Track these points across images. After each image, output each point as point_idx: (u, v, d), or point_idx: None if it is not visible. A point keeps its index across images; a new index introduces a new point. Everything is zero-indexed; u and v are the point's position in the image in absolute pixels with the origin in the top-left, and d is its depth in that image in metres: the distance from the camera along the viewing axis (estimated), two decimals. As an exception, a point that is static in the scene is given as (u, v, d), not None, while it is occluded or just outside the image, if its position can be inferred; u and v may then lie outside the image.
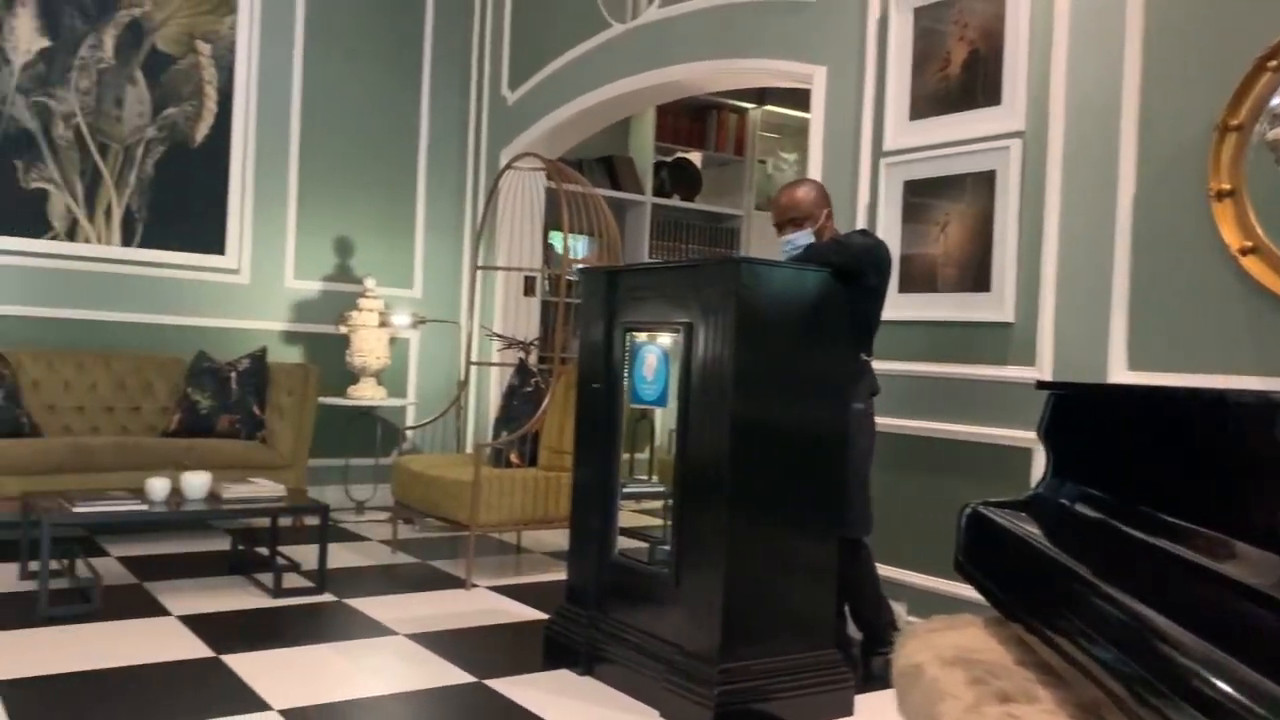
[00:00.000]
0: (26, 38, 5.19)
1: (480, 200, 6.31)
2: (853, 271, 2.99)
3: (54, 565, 3.76)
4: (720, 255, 7.21)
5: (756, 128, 7.38)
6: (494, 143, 6.24)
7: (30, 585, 3.90)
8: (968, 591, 3.28)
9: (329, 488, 5.87)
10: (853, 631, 3.46)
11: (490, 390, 6.11)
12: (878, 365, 3.41)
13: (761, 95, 7.17)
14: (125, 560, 4.44)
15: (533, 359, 5.32)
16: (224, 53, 5.70)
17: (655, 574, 3.09)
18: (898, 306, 3.69)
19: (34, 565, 4.06)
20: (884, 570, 3.52)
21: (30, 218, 5.23)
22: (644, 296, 3.15)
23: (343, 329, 5.77)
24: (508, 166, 5.11)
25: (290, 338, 5.96)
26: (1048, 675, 1.55)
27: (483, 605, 4.03)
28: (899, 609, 3.62)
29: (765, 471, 2.83)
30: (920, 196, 3.81)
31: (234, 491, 4.04)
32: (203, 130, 5.67)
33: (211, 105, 5.68)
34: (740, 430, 2.77)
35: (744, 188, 7.36)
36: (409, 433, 5.42)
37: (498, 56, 6.23)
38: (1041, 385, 2.40)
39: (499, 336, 5.67)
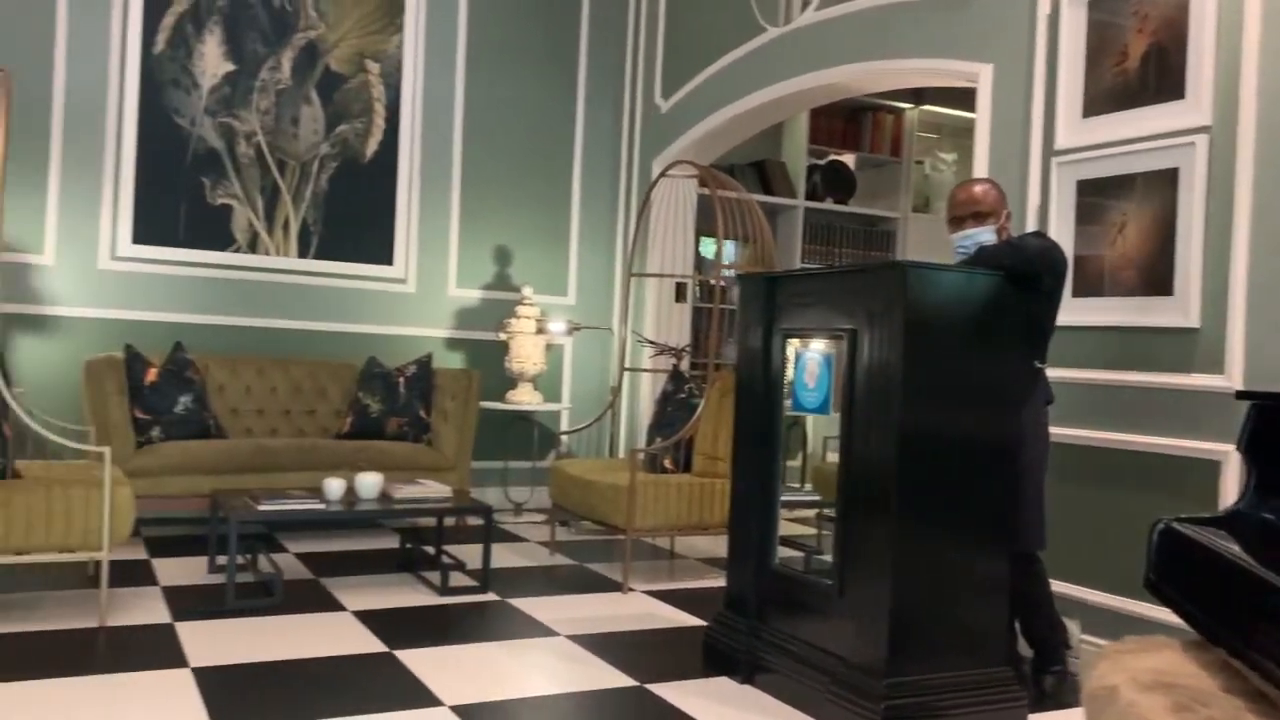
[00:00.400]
0: (213, 63, 5.54)
1: (632, 209, 6.38)
2: (1027, 275, 2.89)
3: (239, 560, 3.98)
4: (880, 259, 7.08)
5: (913, 128, 7.21)
6: (646, 152, 6.30)
7: (218, 578, 4.15)
8: (1150, 610, 3.14)
9: (489, 489, 6.05)
10: (1023, 649, 3.33)
11: (642, 396, 6.16)
12: (1051, 373, 3.28)
13: (919, 95, 7.01)
14: (303, 556, 4.67)
15: (684, 365, 5.34)
16: (391, 71, 5.95)
17: (817, 584, 3.05)
18: (1071, 311, 3.53)
19: (221, 559, 4.31)
20: (1057, 586, 3.38)
21: (216, 231, 5.58)
22: (805, 302, 3.11)
23: (502, 336, 5.93)
24: (662, 174, 5.15)
25: (453, 344, 6.16)
26: (1260, 704, 1.45)
27: (640, 609, 4.06)
28: (1072, 627, 3.46)
29: (934, 482, 2.76)
30: (1094, 197, 3.65)
31: (403, 492, 4.19)
32: (372, 146, 5.93)
33: (380, 122, 5.94)
34: (908, 439, 2.71)
35: (900, 190, 7.20)
36: (564, 437, 5.52)
37: (651, 66, 6.29)
38: (1242, 395, 2.25)
39: (651, 343, 5.71)
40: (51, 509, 3.37)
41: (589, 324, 6.27)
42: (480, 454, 5.79)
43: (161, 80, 5.42)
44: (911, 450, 2.71)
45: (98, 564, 3.89)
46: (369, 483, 4.18)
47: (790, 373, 3.17)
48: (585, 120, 6.51)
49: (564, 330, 5.86)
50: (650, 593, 4.33)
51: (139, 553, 4.55)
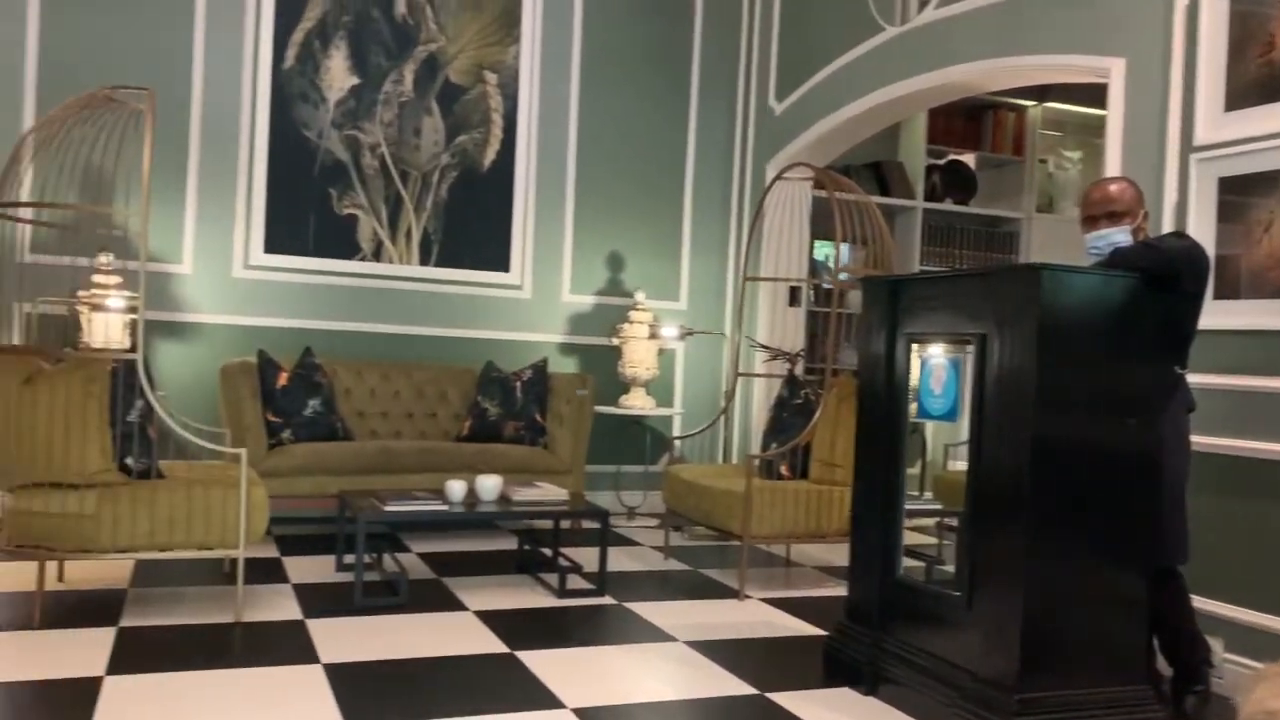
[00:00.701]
0: (340, 77, 5.72)
1: (745, 213, 6.36)
2: (1167, 277, 2.76)
3: (366, 559, 4.10)
4: (1002, 262, 6.88)
5: (1037, 126, 6.99)
6: (759, 155, 6.26)
7: (346, 577, 4.28)
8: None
9: (601, 493, 6.09)
10: (1162, 666, 3.19)
11: (754, 401, 6.13)
12: (1192, 378, 3.13)
13: (1042, 91, 6.80)
14: (425, 556, 4.78)
15: (799, 370, 5.29)
16: (509, 81, 6.06)
17: (944, 595, 2.98)
18: (1213, 314, 3.37)
19: (349, 558, 4.45)
20: (1198, 602, 3.22)
21: (343, 241, 5.77)
22: (931, 306, 3.05)
23: (615, 341, 5.97)
24: (778, 177, 5.10)
25: (567, 349, 6.23)
26: None
27: (757, 616, 4.03)
28: (1215, 645, 3.30)
29: (1069, 492, 2.67)
30: (1238, 194, 3.47)
31: (522, 495, 4.26)
32: (490, 156, 6.05)
33: (498, 132, 6.05)
34: (1042, 447, 2.62)
35: (1023, 189, 6.99)
36: (677, 442, 5.52)
37: (765, 68, 6.25)
38: None
39: (765, 348, 5.67)
40: (192, 508, 3.53)
41: (701, 329, 6.26)
42: (594, 458, 5.84)
43: (290, 95, 5.63)
44: (1045, 459, 2.62)
45: (233, 561, 4.06)
46: (489, 485, 4.25)
47: (915, 378, 3.10)
48: (698, 124, 6.51)
49: (676, 335, 5.87)
50: (767, 600, 4.29)
51: (270, 550, 4.72)
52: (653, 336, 5.80)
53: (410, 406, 5.62)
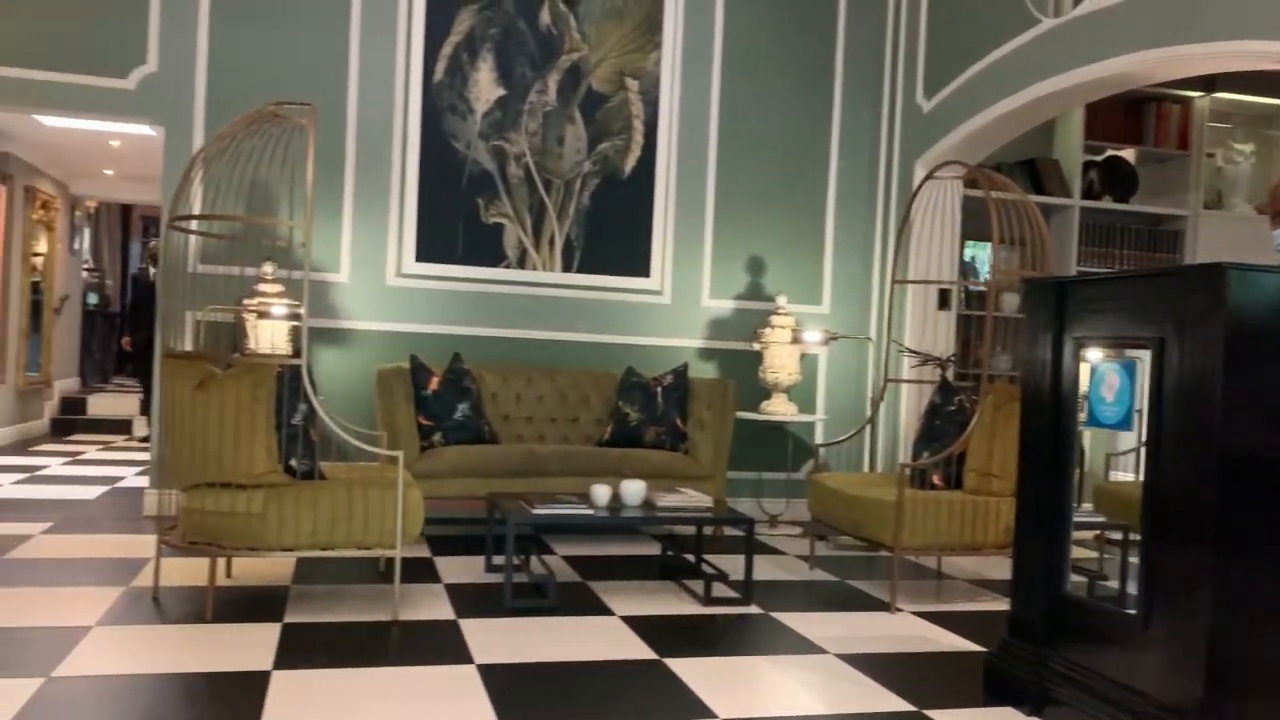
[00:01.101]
0: (486, 89, 5.85)
1: (891, 214, 6.20)
2: (1371, 275, 2.54)
3: (514, 561, 4.15)
4: (1166, 262, 6.53)
5: (1203, 118, 6.60)
6: (906, 154, 6.10)
7: (495, 578, 4.36)
8: None
9: (742, 500, 6.04)
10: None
11: (901, 408, 5.96)
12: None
13: (1210, 81, 6.41)
14: (570, 559, 4.82)
15: (949, 375, 5.11)
16: (649, 88, 6.07)
17: (1116, 613, 2.82)
18: None
19: (498, 559, 4.53)
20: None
21: (489, 249, 5.89)
22: (1100, 309, 2.89)
23: (756, 345, 5.91)
24: (930, 176, 4.95)
25: (706, 354, 6.20)
26: None
27: (909, 630, 3.91)
28: None
29: (1261, 506, 2.48)
30: None
31: (666, 500, 4.24)
32: (630, 162, 6.07)
33: (639, 138, 6.07)
34: (1230, 458, 2.44)
35: (1189, 185, 6.61)
36: (823, 450, 5.41)
37: (912, 65, 6.09)
38: None
39: (914, 352, 5.51)
40: (352, 509, 3.65)
41: (844, 333, 6.14)
42: (734, 464, 5.80)
43: (440, 108, 5.78)
44: (1234, 471, 2.45)
45: (389, 560, 4.18)
46: (633, 490, 4.26)
47: (1084, 385, 2.94)
48: (841, 124, 6.39)
49: (820, 340, 5.76)
50: (919, 613, 4.16)
51: (422, 550, 4.85)
52: (795, 341, 5.71)
53: (553, 411, 5.69)
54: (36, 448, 8.36)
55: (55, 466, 7.27)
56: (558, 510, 4.04)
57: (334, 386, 5.59)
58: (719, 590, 4.22)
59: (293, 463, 3.77)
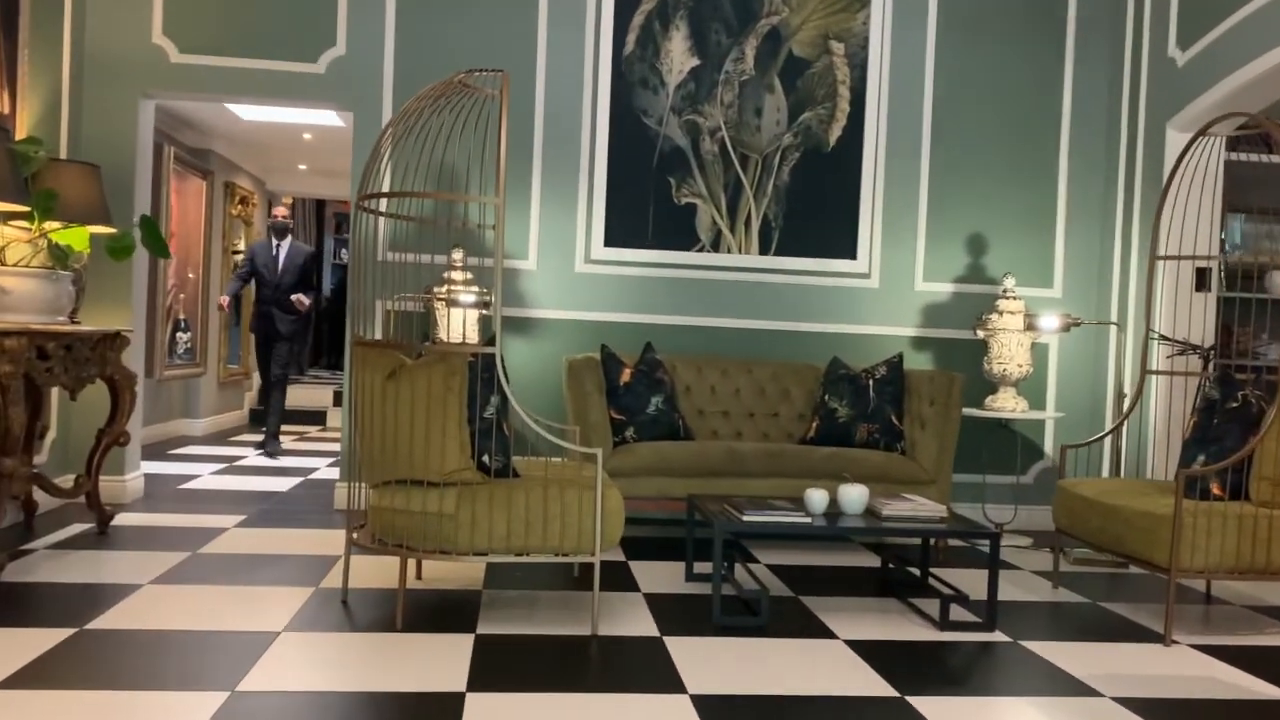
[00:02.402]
0: (680, 59, 5.45)
1: (1136, 182, 5.44)
2: None
3: (721, 571, 3.74)
4: None
5: None
6: (1155, 114, 5.34)
7: (696, 588, 3.96)
8: None
9: (962, 505, 5.45)
10: None
11: (1152, 403, 5.22)
12: None
13: None
14: (776, 569, 4.38)
15: (1209, 366, 4.38)
16: (857, 50, 5.54)
17: None
18: None
19: (699, 567, 4.13)
20: None
21: (681, 231, 5.50)
22: None
23: (980, 334, 5.30)
24: (1202, 132, 4.23)
25: (920, 343, 5.62)
26: None
27: (1194, 668, 3.27)
28: None
29: None
30: None
31: (893, 508, 3.74)
32: (835, 133, 5.56)
33: (844, 106, 5.55)
34: None
35: None
36: (1070, 452, 4.73)
37: (1162, 13, 5.32)
38: None
39: (1172, 341, 4.79)
40: (548, 511, 3.32)
41: (1077, 317, 5.44)
42: (954, 466, 5.21)
43: (630, 82, 5.43)
44: None
45: (583, 565, 3.85)
46: (854, 496, 3.77)
47: None
48: (1074, 84, 5.68)
49: (1058, 326, 5.09)
50: (1199, 646, 3.51)
51: (617, 554, 4.51)
52: (1029, 328, 5.07)
53: (751, 405, 5.26)
54: (235, 438, 8.55)
55: (252, 457, 7.37)
56: (771, 517, 3.60)
57: (522, 378, 5.34)
58: (956, 613, 3.69)
59: (485, 459, 3.48)
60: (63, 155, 4.94)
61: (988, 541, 3.56)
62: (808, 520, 3.62)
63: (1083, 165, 5.69)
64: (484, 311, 5.03)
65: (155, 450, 7.40)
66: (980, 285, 5.64)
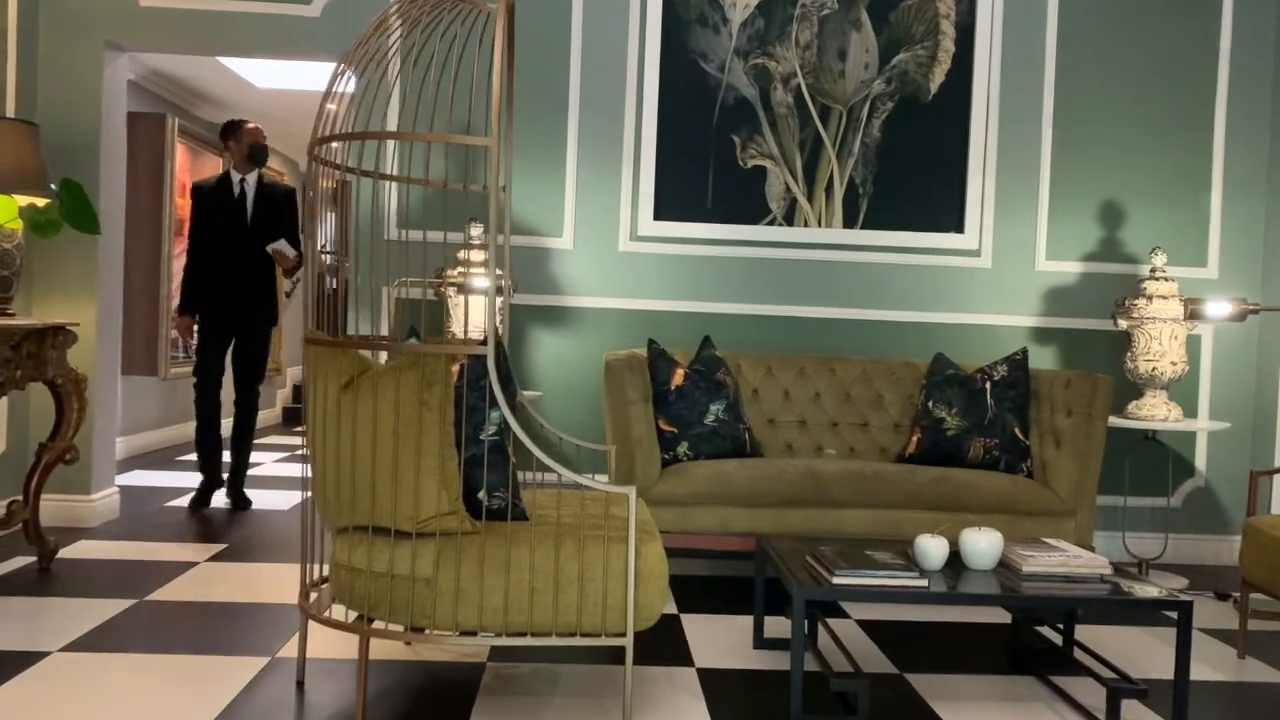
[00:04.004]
0: (745, -8, 4.48)
1: (1322, 134, 4.34)
2: None
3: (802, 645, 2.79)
4: None
5: None
6: (1350, 46, 4.23)
7: (767, 661, 3.02)
8: None
9: (1096, 534, 4.41)
10: None
11: (1344, 411, 4.14)
12: None
13: None
14: (869, 627, 3.41)
15: None
16: (964, -24, 4.52)
17: None
18: None
19: (771, 628, 3.20)
20: None
21: (748, 201, 4.53)
22: None
23: (1122, 323, 4.25)
24: None
25: (1044, 335, 4.58)
26: None
27: None
28: None
29: None
30: None
31: (1036, 563, 2.74)
32: (937, 79, 4.54)
33: (948, 45, 4.52)
34: None
35: None
36: (1258, 479, 3.63)
37: (1361, -85, 4.21)
38: None
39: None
40: (562, 574, 2.39)
41: (1258, 304, 4.35)
42: (1091, 488, 4.18)
43: (685, 19, 4.47)
44: None
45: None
46: (983, 547, 2.78)
47: None
48: (1235, 19, 4.58)
49: (1230, 314, 4.01)
50: None
51: (666, 603, 3.57)
52: (1191, 316, 4.00)
53: (835, 413, 4.28)
54: (261, 440, 7.78)
55: (269, 464, 6.58)
56: (871, 579, 2.63)
57: (557, 379, 4.44)
58: (1130, 711, 2.68)
59: (480, 496, 2.57)
60: (9, 114, 4.16)
61: (1186, 612, 2.54)
62: (922, 584, 2.63)
63: (1245, 119, 4.58)
64: (509, 300, 4.14)
65: (161, 458, 6.65)
66: (1117, 264, 4.58)
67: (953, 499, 3.69)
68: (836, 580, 2.60)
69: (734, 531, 3.68)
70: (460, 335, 3.96)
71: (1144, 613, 3.62)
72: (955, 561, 2.85)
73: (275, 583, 3.67)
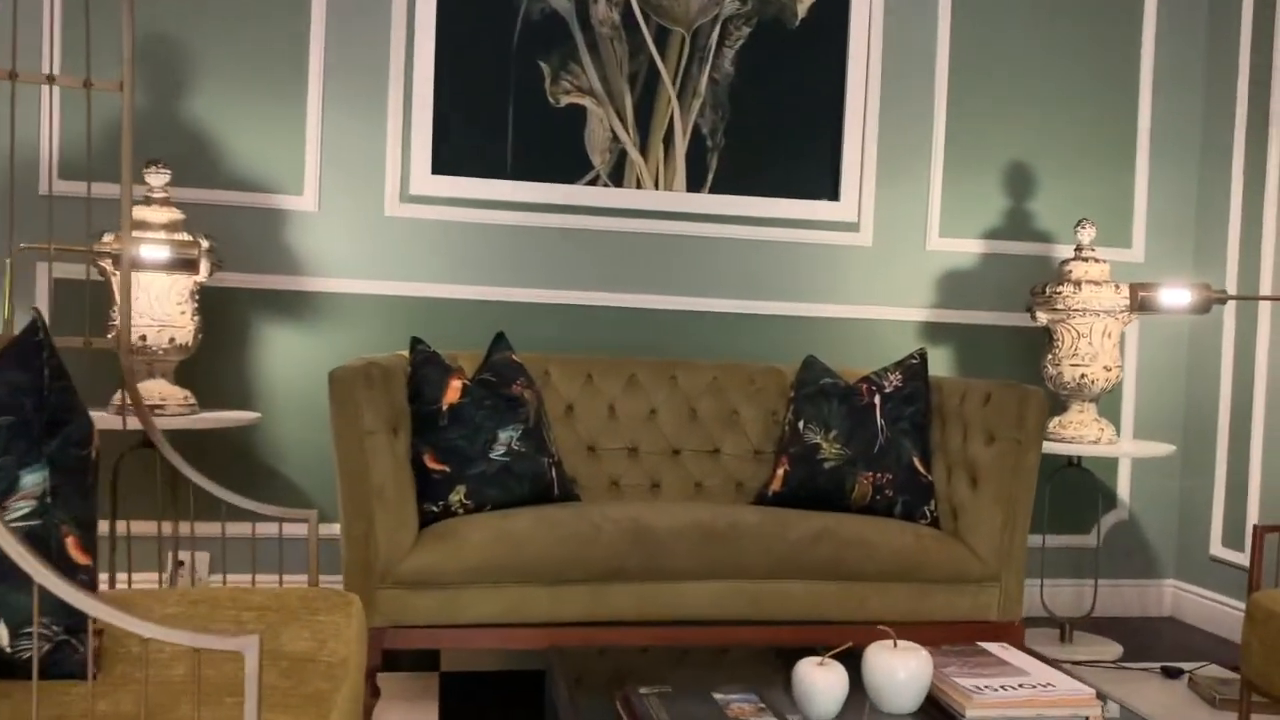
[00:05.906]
0: None
1: (1273, 94, 3.46)
2: None
3: None
4: None
5: None
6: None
7: None
8: None
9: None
10: None
11: (1254, 436, 3.30)
12: None
13: None
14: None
15: None
16: None
17: None
18: None
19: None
20: None
21: (560, 151, 3.38)
22: None
23: (1041, 317, 3.29)
24: None
25: (935, 332, 3.60)
26: None
27: None
28: None
29: None
30: None
31: (987, 704, 1.67)
32: (805, 2, 3.49)
33: (821, -48, 3.48)
34: None
35: None
36: (1264, 536, 2.60)
37: None
38: None
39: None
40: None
41: (1223, 291, 3.44)
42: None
43: (474, -99, 3.28)
44: None
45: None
46: (900, 680, 1.70)
47: None
48: (1165, -61, 3.70)
49: (1192, 303, 3.03)
50: None
51: (429, 715, 2.38)
52: (1142, 307, 3.04)
53: (676, 436, 3.16)
54: None
55: None
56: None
57: (289, 395, 3.20)
58: None
59: (-12, 640, 1.32)
60: None
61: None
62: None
63: (1173, 75, 3.71)
64: (197, 278, 2.85)
65: None
66: (1026, 243, 3.64)
67: (838, 564, 2.62)
68: (662, 761, 1.46)
69: (530, 621, 2.51)
70: (129, 331, 2.65)
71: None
72: (857, 700, 1.75)
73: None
